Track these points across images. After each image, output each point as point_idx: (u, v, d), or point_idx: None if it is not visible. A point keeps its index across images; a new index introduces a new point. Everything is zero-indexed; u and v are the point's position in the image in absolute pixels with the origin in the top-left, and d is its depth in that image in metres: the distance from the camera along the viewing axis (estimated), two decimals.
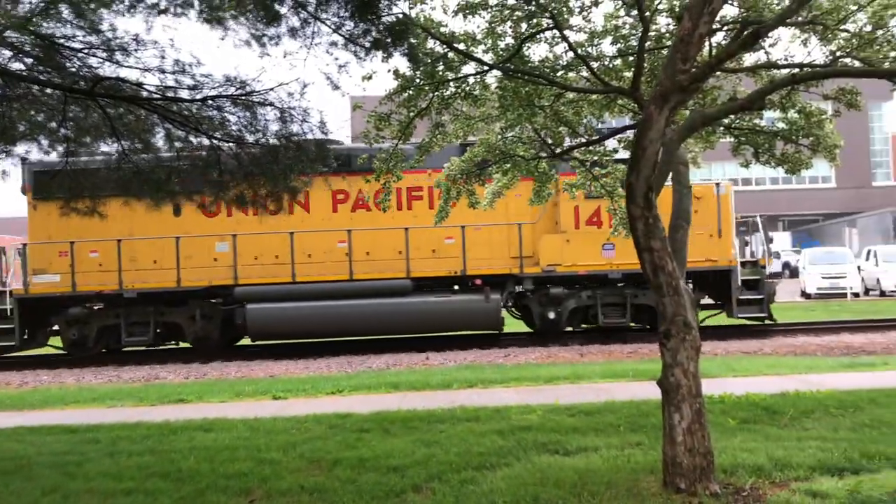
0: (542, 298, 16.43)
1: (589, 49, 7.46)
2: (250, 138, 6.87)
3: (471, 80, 7.20)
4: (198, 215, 16.03)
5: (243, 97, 6.52)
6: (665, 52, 7.23)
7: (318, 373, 13.64)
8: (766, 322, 16.73)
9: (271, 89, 6.52)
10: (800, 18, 6.62)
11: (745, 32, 5.61)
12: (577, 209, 16.31)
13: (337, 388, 10.73)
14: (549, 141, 8.21)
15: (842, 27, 6.92)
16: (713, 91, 8.02)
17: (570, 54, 7.04)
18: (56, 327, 16.74)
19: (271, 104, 6.61)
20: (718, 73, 7.37)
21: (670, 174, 6.83)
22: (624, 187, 5.50)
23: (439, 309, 16.25)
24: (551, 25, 6.65)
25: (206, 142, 7.01)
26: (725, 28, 7.11)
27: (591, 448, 6.47)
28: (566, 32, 6.82)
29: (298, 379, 12.45)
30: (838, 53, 7.07)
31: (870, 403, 7.89)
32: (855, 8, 6.76)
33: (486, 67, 6.89)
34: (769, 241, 17.60)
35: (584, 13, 6.92)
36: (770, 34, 6.93)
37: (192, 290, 16.20)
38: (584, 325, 16.91)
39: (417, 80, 6.84)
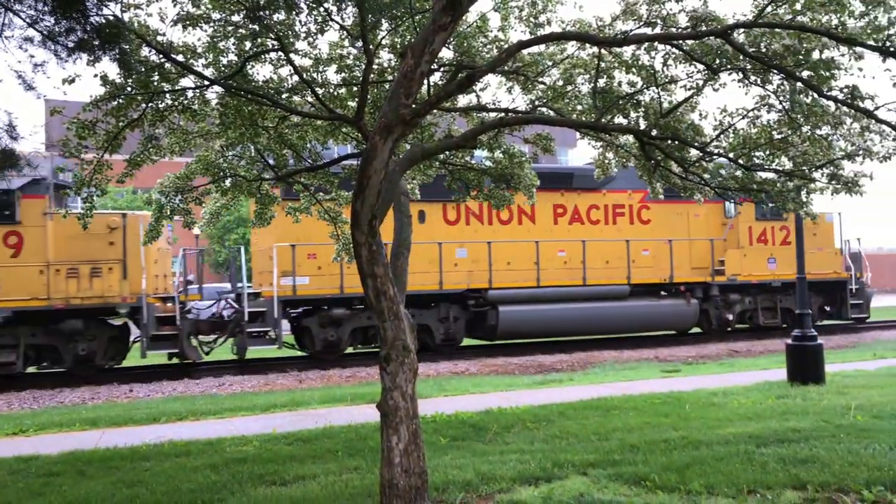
0: (720, 303, 19.69)
1: (314, 75, 7.48)
2: None
3: (189, 93, 6.82)
4: (440, 222, 17.53)
5: None
6: (388, 85, 7.50)
7: None
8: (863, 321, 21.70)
9: None
10: (507, 67, 7.28)
11: (461, 75, 6.02)
12: (750, 228, 20.14)
13: (20, 427, 9.42)
14: (273, 163, 8.07)
15: (540, 80, 7.73)
16: (430, 127, 8.47)
17: (296, 78, 7.00)
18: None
19: None
20: (435, 110, 7.82)
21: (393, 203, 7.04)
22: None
23: (651, 312, 18.83)
24: (276, 47, 6.56)
25: None
26: (442, 69, 7.57)
27: (310, 476, 6.39)
28: (292, 56, 6.77)
29: None
30: (537, 103, 7.88)
31: (559, 416, 8.80)
32: (550, 64, 7.60)
33: (206, 82, 6.58)
34: (863, 258, 21.79)
35: (310, 39, 6.93)
36: (481, 79, 7.53)
37: (451, 292, 17.27)
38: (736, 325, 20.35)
39: (129, 89, 6.31)
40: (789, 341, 11.11)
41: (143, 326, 14.80)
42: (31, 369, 15.13)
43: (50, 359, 14.92)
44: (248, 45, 6.65)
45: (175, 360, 15.85)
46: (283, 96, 7.22)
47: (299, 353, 17.60)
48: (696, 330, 20.37)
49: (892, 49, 5.19)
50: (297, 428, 8.62)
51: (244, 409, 10.36)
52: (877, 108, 5.69)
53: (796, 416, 8.30)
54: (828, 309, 21.41)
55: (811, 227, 20.31)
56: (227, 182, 8.21)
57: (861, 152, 6.41)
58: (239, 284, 16.36)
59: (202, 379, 14.83)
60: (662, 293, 19.32)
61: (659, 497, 5.48)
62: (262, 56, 6.81)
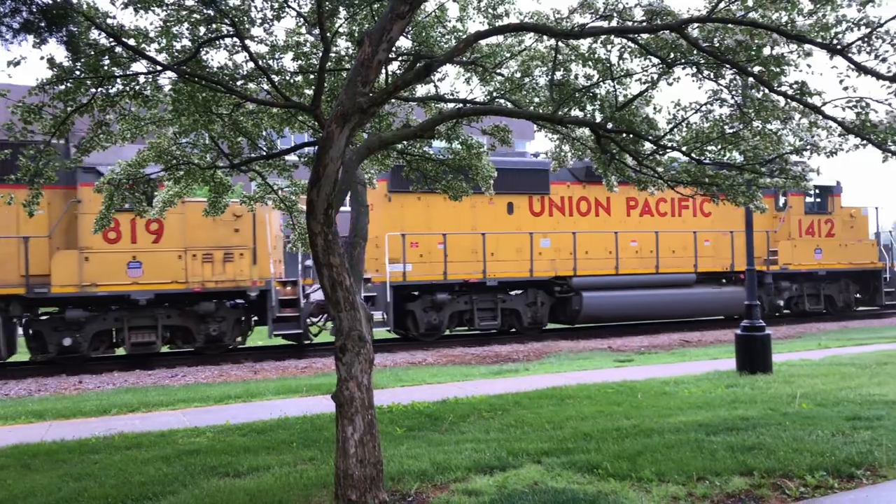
0: (771, 289, 21.34)
1: (270, 62, 7.38)
2: None
3: (141, 79, 6.67)
4: (526, 213, 18.78)
5: None
6: (345, 73, 7.44)
7: None
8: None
9: None
10: (464, 58, 7.28)
11: (419, 65, 6.00)
12: (800, 221, 21.98)
13: None
14: (227, 151, 7.94)
15: (497, 71, 7.74)
16: (388, 117, 8.43)
17: (251, 65, 6.89)
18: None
19: None
20: (393, 100, 7.78)
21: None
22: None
23: (714, 298, 20.51)
24: (232, 33, 6.44)
25: None
26: (400, 58, 7.54)
27: (264, 467, 6.34)
28: (247, 42, 6.66)
29: None
30: (494, 94, 7.90)
31: (515, 406, 8.88)
32: (508, 56, 7.62)
33: (158, 68, 6.44)
34: (894, 249, 24.24)
35: (266, 25, 6.82)
36: (439, 69, 7.51)
37: (540, 279, 18.62)
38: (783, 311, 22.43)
39: (78, 73, 6.14)
40: (738, 331, 11.37)
41: (270, 309, 15.92)
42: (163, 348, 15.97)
43: (181, 339, 15.91)
44: (202, 30, 6.52)
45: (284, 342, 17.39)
46: (238, 83, 7.11)
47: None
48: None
49: (838, 47, 5.32)
50: (252, 419, 8.54)
51: (197, 400, 10.22)
52: (824, 104, 5.84)
53: (745, 405, 8.50)
54: (858, 296, 23.48)
55: (849, 221, 23.08)
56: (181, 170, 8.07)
57: (809, 147, 6.57)
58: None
59: (155, 370, 14.59)
60: (723, 280, 21.13)
61: (611, 484, 5.57)
62: (217, 42, 6.68)
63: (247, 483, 5.88)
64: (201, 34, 6.49)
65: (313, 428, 7.88)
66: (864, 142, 5.91)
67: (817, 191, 22.33)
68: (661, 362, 13.49)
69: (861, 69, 5.36)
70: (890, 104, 5.57)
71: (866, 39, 5.24)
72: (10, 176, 7.12)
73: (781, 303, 21.99)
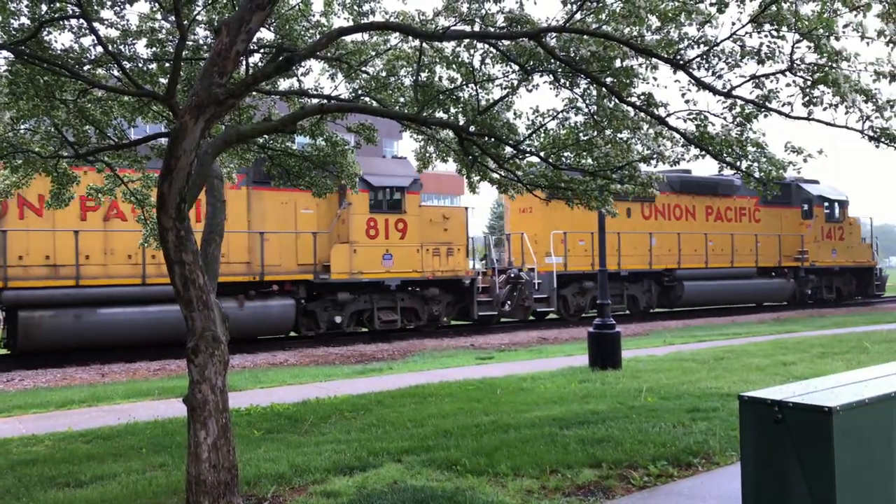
0: (804, 282, 26.50)
1: (122, 47, 6.99)
2: None
3: None
4: (640, 217, 22.74)
5: None
6: (203, 63, 7.15)
7: None
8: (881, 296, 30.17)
9: None
10: (329, 54, 7.19)
11: (280, 58, 5.87)
12: (822, 227, 27.15)
13: None
14: (73, 140, 7.44)
15: (363, 69, 7.71)
16: (249, 110, 8.20)
17: (100, 49, 6.50)
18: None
19: None
20: (255, 93, 7.57)
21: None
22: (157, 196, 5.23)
23: (767, 288, 25.78)
24: (77, 13, 6.05)
25: None
26: (262, 50, 7.34)
27: (109, 475, 5.98)
28: (96, 25, 6.28)
29: None
30: (360, 92, 7.86)
31: (377, 405, 8.86)
32: (374, 54, 7.61)
33: None
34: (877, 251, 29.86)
35: (117, 8, 6.46)
36: (303, 63, 7.39)
37: (655, 271, 22.93)
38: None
39: None
40: (591, 329, 11.90)
41: (476, 294, 19.76)
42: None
43: (406, 318, 19.08)
44: (44, 7, 6.08)
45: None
46: (86, 68, 6.69)
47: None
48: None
49: (681, 62, 5.70)
50: (97, 425, 8.05)
51: (36, 406, 9.51)
52: (668, 116, 6.24)
53: (596, 399, 8.91)
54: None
55: (848, 228, 28.60)
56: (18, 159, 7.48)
57: (655, 156, 7.00)
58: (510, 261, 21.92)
59: None
60: (772, 274, 25.94)
61: (469, 480, 5.67)
62: (61, 22, 6.25)
63: (90, 493, 5.53)
64: (43, 12, 6.06)
65: (165, 433, 7.53)
66: (703, 152, 6.36)
67: (836, 204, 28.18)
68: (520, 359, 13.89)
69: (700, 84, 5.77)
70: (725, 118, 6.03)
71: (705, 56, 5.65)
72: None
73: (809, 292, 27.03)
